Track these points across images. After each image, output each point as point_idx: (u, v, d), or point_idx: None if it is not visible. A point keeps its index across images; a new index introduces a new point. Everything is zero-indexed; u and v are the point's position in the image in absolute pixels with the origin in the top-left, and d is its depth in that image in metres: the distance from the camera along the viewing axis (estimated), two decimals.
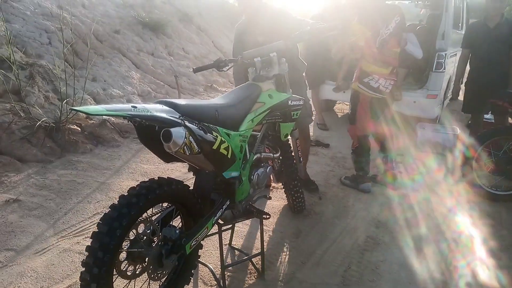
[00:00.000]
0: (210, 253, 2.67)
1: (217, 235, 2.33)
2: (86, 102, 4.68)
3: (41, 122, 3.96)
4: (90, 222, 2.92)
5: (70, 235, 2.77)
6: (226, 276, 2.36)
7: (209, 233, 2.28)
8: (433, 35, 5.05)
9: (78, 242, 2.69)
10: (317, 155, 4.69)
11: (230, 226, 2.65)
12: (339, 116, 6.74)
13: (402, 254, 2.78)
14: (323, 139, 5.19)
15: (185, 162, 2.05)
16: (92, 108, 1.42)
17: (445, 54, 4.90)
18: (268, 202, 3.33)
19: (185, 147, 1.61)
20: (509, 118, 4.51)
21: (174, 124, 1.60)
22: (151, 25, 7.73)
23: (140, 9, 8.13)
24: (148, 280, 1.85)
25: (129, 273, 1.79)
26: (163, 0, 9.45)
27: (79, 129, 4.35)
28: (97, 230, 1.56)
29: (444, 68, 4.93)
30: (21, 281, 2.31)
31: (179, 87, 5.74)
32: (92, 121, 4.56)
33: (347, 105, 7.02)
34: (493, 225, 3.17)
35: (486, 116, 4.88)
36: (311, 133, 5.50)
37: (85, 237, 2.72)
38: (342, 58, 5.39)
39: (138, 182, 1.74)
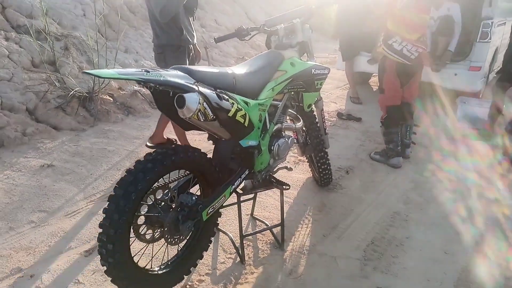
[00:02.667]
0: (231, 222, 2.69)
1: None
2: None
3: (75, 91, 4.08)
4: None
5: (99, 200, 2.87)
6: (245, 245, 2.37)
7: (229, 203, 2.29)
8: (479, 1, 4.67)
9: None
10: (347, 129, 4.57)
11: (250, 196, 2.65)
12: (374, 90, 6.49)
13: (430, 231, 2.69)
14: (356, 113, 5.03)
15: (203, 131, 2.05)
16: (104, 71, 1.42)
17: (492, 23, 4.55)
18: (293, 175, 3.29)
19: (199, 113, 1.59)
20: None
21: (188, 89, 1.58)
22: None
23: None
24: (166, 246, 1.89)
25: (147, 237, 1.83)
26: None
27: (111, 99, 4.45)
28: (113, 193, 1.59)
29: (490, 38, 4.59)
30: (52, 240, 2.43)
31: (209, 58, 5.71)
32: (123, 92, 4.65)
33: (374, 76, 6.78)
34: None
35: None
36: (343, 107, 5.38)
37: None
38: (379, 27, 5.15)
39: None
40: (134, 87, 4.79)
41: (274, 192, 3.05)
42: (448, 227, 2.74)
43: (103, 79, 4.25)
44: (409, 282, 2.22)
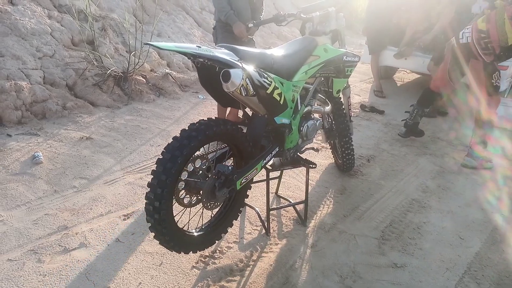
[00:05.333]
0: (257, 198, 2.86)
1: (264, 183, 2.50)
2: (151, 55, 4.96)
3: (111, 71, 4.29)
4: (152, 162, 3.21)
5: (134, 171, 3.08)
6: (270, 219, 2.54)
7: (258, 180, 2.45)
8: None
9: (140, 178, 2.99)
10: (370, 120, 4.66)
11: (277, 175, 2.81)
12: (398, 85, 6.54)
13: (446, 218, 2.80)
14: (379, 106, 5.11)
15: (240, 109, 2.21)
16: (163, 44, 1.59)
17: None
18: (316, 159, 3.43)
19: (241, 88, 1.75)
20: None
21: (233, 65, 1.74)
22: None
23: None
24: (202, 211, 2.06)
25: (185, 202, 2.00)
26: None
27: (144, 80, 4.66)
28: (161, 157, 1.77)
29: None
30: (93, 204, 2.65)
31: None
32: (156, 74, 4.85)
33: (408, 73, 6.80)
34: None
35: None
36: (366, 99, 5.46)
37: (147, 174, 3.02)
38: (407, 21, 5.19)
39: None
40: (165, 69, 4.98)
41: (297, 174, 3.21)
42: (464, 215, 2.85)
43: (138, 60, 4.46)
44: (424, 261, 2.35)
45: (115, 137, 3.56)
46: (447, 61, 3.67)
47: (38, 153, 3.09)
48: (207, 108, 4.52)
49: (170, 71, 5.00)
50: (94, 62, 4.36)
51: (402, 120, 4.07)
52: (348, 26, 10.36)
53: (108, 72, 4.27)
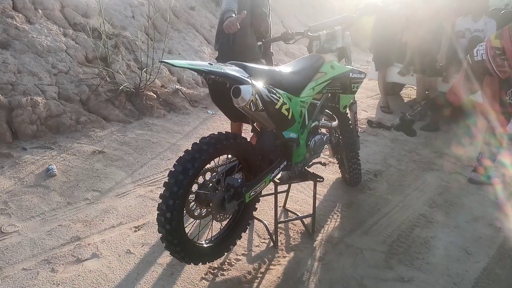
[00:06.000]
0: (265, 212, 2.90)
1: (272, 196, 2.55)
2: (162, 71, 5.09)
3: (123, 87, 4.41)
4: (162, 176, 3.27)
5: (145, 184, 3.15)
6: (278, 232, 2.58)
7: (266, 193, 2.51)
8: None
9: (151, 191, 3.05)
10: (377, 136, 4.71)
11: (285, 189, 2.86)
12: (405, 101, 6.59)
13: (453, 233, 2.81)
14: (386, 121, 5.16)
15: (249, 124, 2.28)
16: (177, 61, 1.68)
17: None
18: (323, 174, 3.47)
19: (251, 103, 1.82)
20: None
21: (243, 82, 1.81)
22: None
23: None
24: (211, 223, 2.12)
25: (196, 214, 2.06)
26: None
27: (155, 95, 4.77)
28: (173, 169, 1.83)
29: None
30: (104, 216, 2.71)
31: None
32: (166, 89, 4.97)
33: (414, 89, 6.85)
34: None
35: None
36: (373, 115, 5.52)
37: (157, 187, 3.08)
38: (406, 43, 5.28)
39: None
40: (176, 85, 5.10)
41: (305, 188, 3.25)
42: (472, 230, 2.86)
43: (149, 77, 4.58)
44: (432, 276, 2.36)
45: (127, 151, 3.65)
46: (461, 77, 3.72)
47: (52, 166, 3.17)
48: (216, 123, 4.61)
49: (180, 87, 5.12)
50: (107, 78, 4.49)
51: (401, 112, 3.98)
52: (355, 43, 10.49)
53: (121, 88, 4.39)
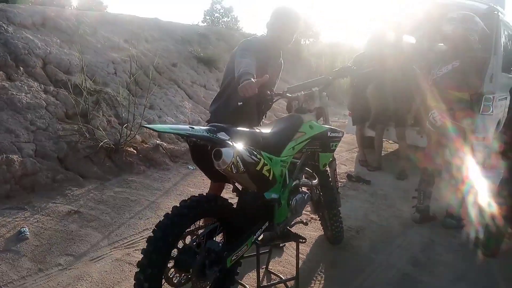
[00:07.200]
0: (247, 275, 2.80)
1: (255, 257, 2.47)
2: (142, 127, 5.10)
3: (103, 143, 4.37)
4: (140, 237, 3.16)
5: (122, 247, 3.02)
6: None
7: (248, 255, 2.43)
8: None
9: (128, 254, 2.93)
10: (357, 190, 4.74)
11: (267, 250, 2.79)
12: (383, 154, 6.73)
13: None
14: (365, 175, 5.23)
15: (230, 184, 2.27)
16: (160, 126, 1.69)
17: (493, 97, 4.87)
18: (305, 231, 3.43)
19: (232, 165, 1.82)
20: None
21: (224, 144, 1.83)
22: (205, 59, 8.29)
23: (197, 45, 8.76)
24: None
25: (175, 281, 1.97)
26: (218, 37, 10.10)
27: (135, 151, 4.73)
28: (152, 235, 1.77)
29: (492, 111, 4.88)
30: (77, 283, 2.56)
31: None
32: (147, 145, 4.94)
33: (390, 143, 7.04)
34: None
35: None
36: (352, 169, 5.59)
37: (135, 250, 2.96)
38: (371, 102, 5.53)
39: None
40: (156, 141, 5.09)
41: (287, 248, 3.18)
42: None
43: (130, 133, 4.57)
44: None
45: (104, 210, 3.54)
46: (429, 144, 3.96)
47: (24, 228, 3.03)
48: (197, 179, 4.56)
49: (161, 142, 5.11)
50: (87, 135, 4.45)
51: (412, 207, 3.97)
52: (332, 98, 10.88)
53: (100, 144, 4.35)
